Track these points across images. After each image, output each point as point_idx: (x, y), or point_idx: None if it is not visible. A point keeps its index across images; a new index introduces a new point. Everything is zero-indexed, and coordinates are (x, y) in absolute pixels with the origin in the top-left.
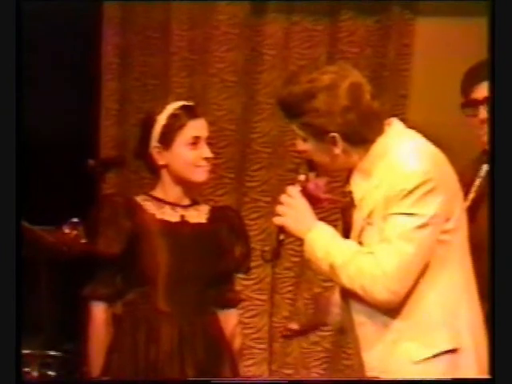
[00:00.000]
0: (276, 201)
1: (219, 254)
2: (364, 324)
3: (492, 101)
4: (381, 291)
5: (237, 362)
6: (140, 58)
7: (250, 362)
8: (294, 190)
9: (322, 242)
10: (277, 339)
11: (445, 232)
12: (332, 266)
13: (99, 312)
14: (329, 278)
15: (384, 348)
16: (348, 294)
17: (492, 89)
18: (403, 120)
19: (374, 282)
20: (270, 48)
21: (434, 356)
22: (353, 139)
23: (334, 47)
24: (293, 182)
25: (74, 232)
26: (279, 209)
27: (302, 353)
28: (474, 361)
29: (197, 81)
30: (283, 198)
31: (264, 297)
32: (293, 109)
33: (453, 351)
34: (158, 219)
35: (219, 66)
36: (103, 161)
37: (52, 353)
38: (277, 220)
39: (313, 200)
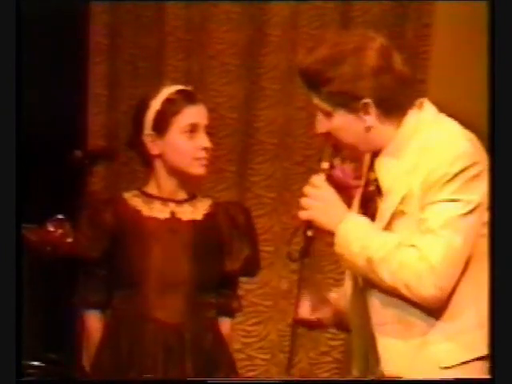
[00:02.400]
0: (281, 196)
1: (218, 254)
2: (385, 325)
3: (492, 94)
4: (427, 288)
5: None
6: (131, 39)
7: (252, 374)
8: (318, 180)
9: (357, 234)
10: (282, 348)
11: (485, 224)
12: (370, 261)
13: (94, 321)
14: (337, 282)
15: (408, 351)
16: (366, 292)
17: (492, 81)
18: None
19: (419, 278)
20: (276, 28)
21: (471, 361)
22: (388, 106)
23: (346, 27)
24: (298, 176)
25: (59, 230)
26: (304, 202)
27: (310, 364)
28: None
29: (194, 64)
30: (307, 189)
31: (268, 302)
32: (317, 77)
33: (486, 357)
34: (145, 216)
35: (219, 48)
36: (91, 152)
37: (34, 363)
38: (303, 214)
39: (341, 188)
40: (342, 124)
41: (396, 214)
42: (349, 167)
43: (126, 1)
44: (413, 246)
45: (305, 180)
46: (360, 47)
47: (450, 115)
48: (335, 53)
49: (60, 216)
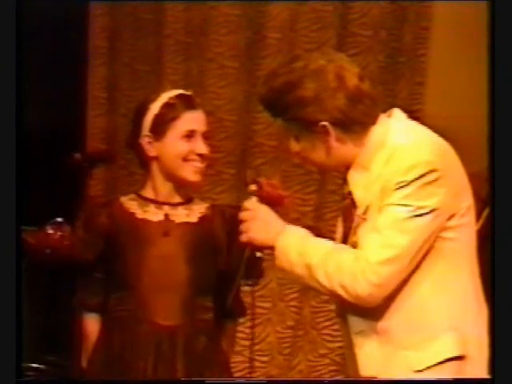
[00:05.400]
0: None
1: (212, 257)
2: (361, 333)
3: (492, 97)
4: (363, 286)
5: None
6: (130, 42)
7: (251, 376)
8: (250, 203)
9: (295, 244)
10: (281, 351)
11: (449, 228)
12: (308, 267)
13: (92, 324)
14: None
15: (382, 357)
16: (344, 304)
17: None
18: (419, 110)
19: (355, 278)
20: (275, 30)
21: (437, 364)
22: (345, 125)
23: (344, 29)
24: (296, 178)
25: (59, 233)
26: (242, 227)
27: (308, 366)
28: (481, 367)
29: (193, 67)
30: (242, 214)
31: (267, 304)
32: (276, 106)
33: (458, 358)
34: (139, 219)
35: (218, 51)
36: (90, 155)
37: (33, 365)
38: (243, 238)
39: (275, 201)
40: (308, 146)
41: (360, 222)
42: (275, 182)
43: (126, 1)
44: (353, 246)
45: (303, 183)
46: (316, 70)
47: (449, 118)
48: (292, 78)
49: (59, 219)
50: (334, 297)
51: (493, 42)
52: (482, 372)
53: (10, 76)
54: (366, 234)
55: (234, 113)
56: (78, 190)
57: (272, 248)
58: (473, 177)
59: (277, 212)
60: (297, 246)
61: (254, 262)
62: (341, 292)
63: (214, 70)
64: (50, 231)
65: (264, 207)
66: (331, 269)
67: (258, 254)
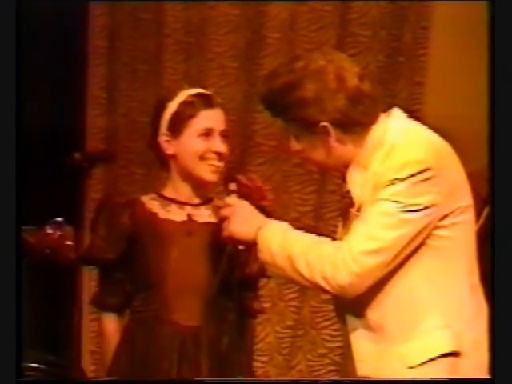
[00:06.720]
0: (280, 199)
1: (235, 256)
2: (357, 330)
3: (492, 97)
4: (343, 275)
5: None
6: (130, 41)
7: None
8: (230, 199)
9: (276, 236)
10: (280, 351)
11: (442, 227)
12: (290, 258)
13: (110, 324)
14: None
15: (377, 354)
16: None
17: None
18: (419, 110)
19: (335, 267)
20: (274, 30)
21: (431, 360)
22: (345, 125)
23: (344, 29)
24: (296, 178)
25: (58, 233)
26: (224, 223)
27: (308, 366)
28: (475, 364)
29: (193, 66)
30: (223, 211)
31: (266, 304)
32: (278, 105)
33: (452, 354)
34: (161, 219)
35: (218, 50)
36: (90, 154)
37: (33, 365)
38: (225, 233)
39: (256, 194)
40: (308, 146)
41: (353, 218)
42: (252, 175)
43: (126, 1)
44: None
45: (303, 182)
46: (317, 71)
47: (449, 118)
48: (293, 79)
49: (59, 219)
50: (316, 289)
51: (493, 41)
52: (479, 371)
53: (10, 76)
54: (354, 226)
55: (233, 112)
56: (78, 190)
57: (254, 242)
58: (473, 176)
59: (261, 208)
60: (279, 239)
61: (237, 255)
62: (322, 283)
63: (213, 70)
64: (50, 231)
65: (244, 203)
66: (312, 258)
67: (241, 247)
